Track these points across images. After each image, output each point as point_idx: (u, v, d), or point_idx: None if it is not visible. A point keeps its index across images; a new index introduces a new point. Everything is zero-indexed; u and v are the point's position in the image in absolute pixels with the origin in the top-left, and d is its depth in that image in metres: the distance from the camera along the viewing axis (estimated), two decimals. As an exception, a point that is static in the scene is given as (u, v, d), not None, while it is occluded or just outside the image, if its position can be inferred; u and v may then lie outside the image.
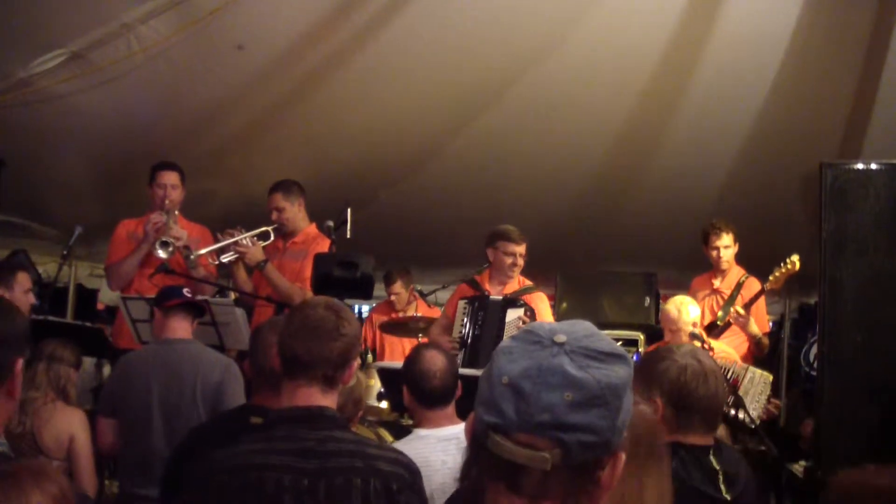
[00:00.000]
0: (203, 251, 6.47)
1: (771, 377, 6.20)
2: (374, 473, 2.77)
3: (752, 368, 6.19)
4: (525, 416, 1.50)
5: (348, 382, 3.00)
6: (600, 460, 1.54)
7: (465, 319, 6.50)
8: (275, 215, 6.76)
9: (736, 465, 3.46)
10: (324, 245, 6.52)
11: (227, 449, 2.81)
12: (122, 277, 6.55)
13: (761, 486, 4.00)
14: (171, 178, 6.67)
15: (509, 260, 6.48)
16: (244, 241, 6.53)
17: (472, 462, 1.59)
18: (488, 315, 6.41)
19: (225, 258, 6.59)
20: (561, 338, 1.56)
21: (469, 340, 6.39)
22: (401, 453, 2.97)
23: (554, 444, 1.49)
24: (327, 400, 2.88)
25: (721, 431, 6.03)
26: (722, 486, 3.31)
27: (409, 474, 2.89)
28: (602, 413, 1.51)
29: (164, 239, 6.37)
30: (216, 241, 6.64)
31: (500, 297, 6.51)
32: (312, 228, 6.81)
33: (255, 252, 6.54)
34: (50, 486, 2.14)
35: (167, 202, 6.60)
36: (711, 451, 3.36)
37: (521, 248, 6.49)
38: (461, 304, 6.61)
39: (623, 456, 1.58)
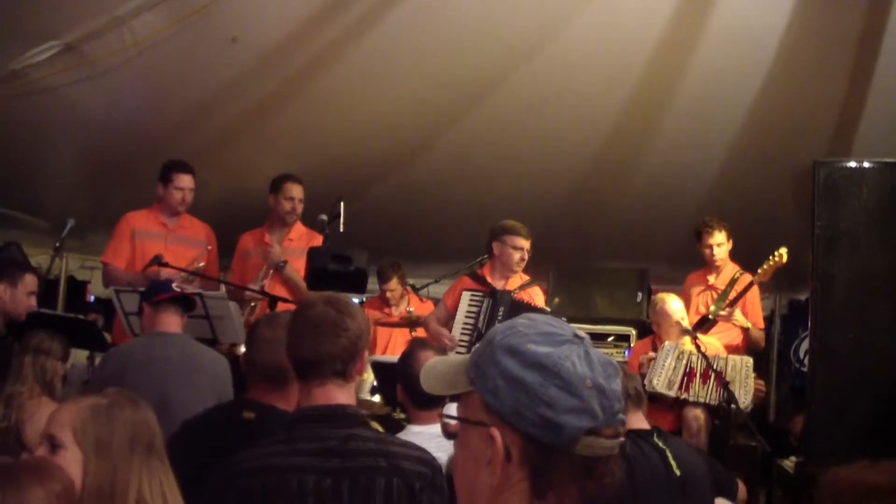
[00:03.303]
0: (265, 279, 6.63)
1: (750, 360, 6.25)
2: (398, 473, 2.75)
3: (730, 357, 6.23)
4: (609, 409, 1.58)
5: (362, 374, 2.98)
6: None
7: (479, 312, 6.47)
8: (290, 205, 6.85)
9: (679, 446, 3.84)
10: (318, 241, 6.57)
11: (247, 450, 2.77)
12: (120, 285, 6.37)
13: (716, 469, 4.19)
14: (188, 181, 6.71)
15: (517, 255, 6.47)
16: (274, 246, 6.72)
17: (543, 474, 1.58)
18: (498, 310, 6.41)
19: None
20: (581, 333, 1.64)
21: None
22: (423, 450, 2.93)
23: (623, 427, 1.60)
24: (345, 395, 2.85)
25: (700, 419, 6.11)
26: (672, 463, 3.55)
27: (431, 471, 2.86)
28: None
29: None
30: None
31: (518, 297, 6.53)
32: (302, 226, 6.92)
33: (277, 252, 6.74)
34: (52, 484, 2.16)
35: (181, 207, 6.73)
36: (655, 434, 3.73)
37: (528, 244, 6.48)
38: (467, 296, 6.57)
39: None
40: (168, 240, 6.67)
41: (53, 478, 2.18)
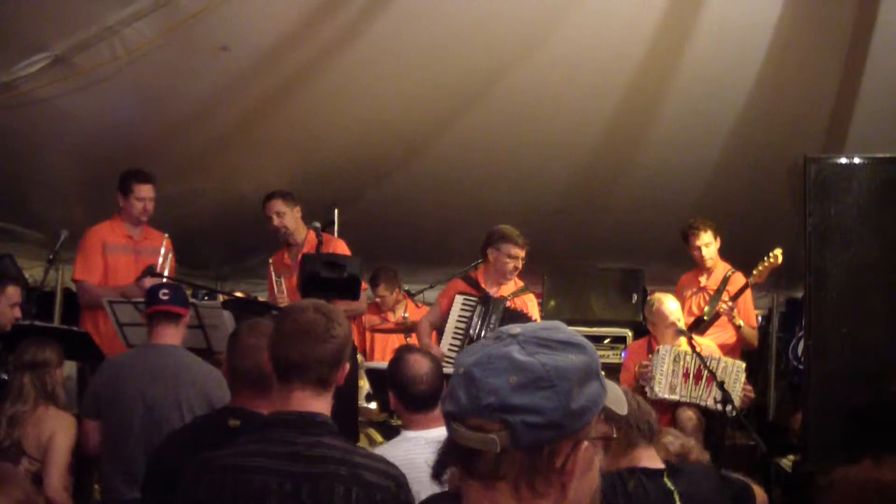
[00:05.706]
0: None
1: (743, 364, 6.22)
2: (357, 482, 2.77)
3: (723, 358, 6.21)
4: (475, 400, 1.57)
5: (341, 383, 3.01)
6: (556, 445, 1.57)
7: (472, 317, 6.44)
8: (276, 220, 6.75)
9: (697, 484, 3.62)
10: (337, 245, 6.53)
11: (221, 448, 2.85)
12: (96, 303, 6.30)
13: (731, 489, 4.07)
14: (149, 191, 6.68)
15: (511, 263, 6.41)
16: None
17: (443, 454, 1.66)
18: (491, 317, 6.38)
19: None
20: (516, 330, 1.63)
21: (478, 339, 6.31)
22: (391, 465, 2.95)
23: (501, 425, 1.55)
24: (321, 403, 2.91)
25: (694, 419, 6.07)
26: None
27: (396, 487, 2.87)
28: (548, 395, 1.55)
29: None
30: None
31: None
32: (312, 235, 6.73)
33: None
34: (13, 490, 2.15)
35: (143, 217, 6.69)
36: (665, 474, 3.55)
37: (523, 253, 6.43)
38: (461, 299, 6.53)
39: (586, 444, 1.60)
40: (136, 252, 6.68)
41: (14, 484, 2.17)
